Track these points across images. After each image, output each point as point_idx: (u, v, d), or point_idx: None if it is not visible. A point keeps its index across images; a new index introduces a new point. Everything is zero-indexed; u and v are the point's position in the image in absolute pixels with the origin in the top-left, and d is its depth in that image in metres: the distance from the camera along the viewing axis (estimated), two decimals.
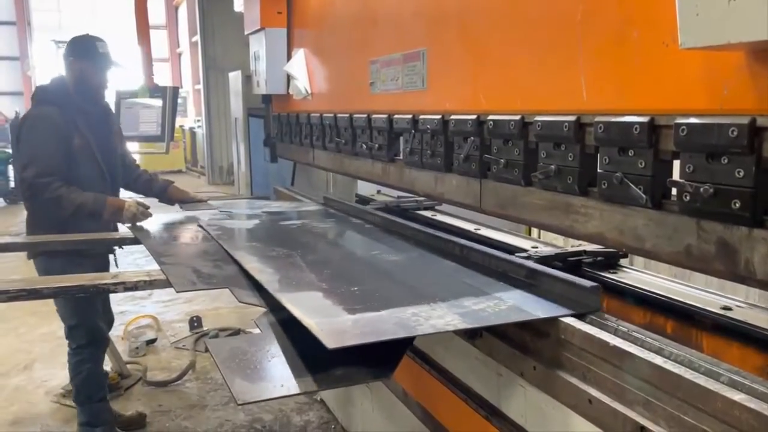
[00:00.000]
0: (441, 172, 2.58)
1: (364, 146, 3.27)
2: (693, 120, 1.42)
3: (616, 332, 1.62)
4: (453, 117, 2.40)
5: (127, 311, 5.95)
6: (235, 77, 5.47)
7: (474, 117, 2.26)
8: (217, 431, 3.76)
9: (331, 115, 3.64)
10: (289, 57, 4.24)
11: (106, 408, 3.72)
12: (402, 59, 2.83)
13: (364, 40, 3.26)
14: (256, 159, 5.72)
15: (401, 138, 3.00)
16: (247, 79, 5.03)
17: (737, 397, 1.24)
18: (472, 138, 2.31)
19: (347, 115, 3.42)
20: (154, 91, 5.67)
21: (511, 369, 1.82)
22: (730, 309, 1.90)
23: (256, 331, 2.01)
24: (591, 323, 1.68)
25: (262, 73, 4.41)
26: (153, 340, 5.20)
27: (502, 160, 2.13)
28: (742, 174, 1.35)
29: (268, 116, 5.06)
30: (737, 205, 1.36)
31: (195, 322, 5.41)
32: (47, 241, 3.31)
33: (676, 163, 1.52)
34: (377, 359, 1.72)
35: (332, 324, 1.77)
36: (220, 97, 15.37)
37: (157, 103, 5.52)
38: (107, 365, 4.18)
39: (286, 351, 1.84)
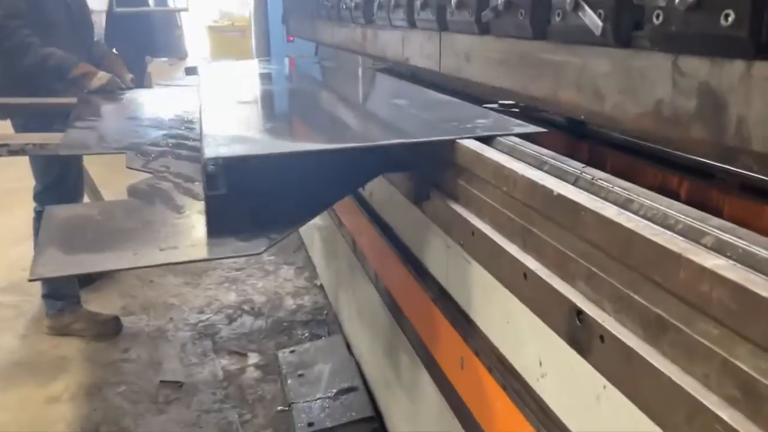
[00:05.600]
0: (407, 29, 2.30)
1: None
2: None
3: (576, 182, 1.23)
4: None
5: None
6: None
7: None
8: (203, 309, 3.66)
9: None
10: None
11: (70, 282, 3.52)
12: None
13: None
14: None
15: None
16: None
17: (711, 263, 0.83)
18: None
19: None
20: None
21: (452, 237, 1.60)
22: None
23: None
24: (546, 170, 1.31)
25: None
26: None
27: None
28: None
29: None
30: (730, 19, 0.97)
31: None
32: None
33: None
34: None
35: None
36: None
37: None
38: None
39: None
